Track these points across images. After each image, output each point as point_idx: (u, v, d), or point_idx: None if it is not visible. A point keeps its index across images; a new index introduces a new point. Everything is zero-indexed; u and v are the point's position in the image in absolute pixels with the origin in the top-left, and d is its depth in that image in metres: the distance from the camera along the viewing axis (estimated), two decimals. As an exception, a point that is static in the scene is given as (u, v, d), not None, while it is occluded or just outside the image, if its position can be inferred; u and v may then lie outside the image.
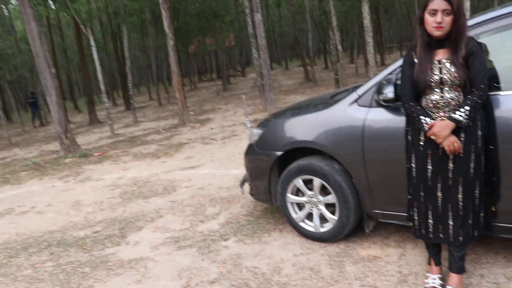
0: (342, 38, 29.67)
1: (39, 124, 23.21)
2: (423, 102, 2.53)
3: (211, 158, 7.59)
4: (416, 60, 2.55)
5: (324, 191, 3.51)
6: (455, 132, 2.43)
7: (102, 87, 12.86)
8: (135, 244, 4.22)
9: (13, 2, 32.30)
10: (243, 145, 8.06)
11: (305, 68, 22.51)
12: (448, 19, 2.38)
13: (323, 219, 3.60)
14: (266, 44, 11.14)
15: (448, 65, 2.43)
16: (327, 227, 3.56)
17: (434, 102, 2.47)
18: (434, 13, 2.39)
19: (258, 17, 10.73)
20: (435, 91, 2.46)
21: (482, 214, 2.61)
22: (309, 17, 23.39)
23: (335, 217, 3.47)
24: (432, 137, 2.46)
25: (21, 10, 10.43)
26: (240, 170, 6.16)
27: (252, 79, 28.61)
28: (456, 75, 2.40)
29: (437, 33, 2.41)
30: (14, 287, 3.72)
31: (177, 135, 10.92)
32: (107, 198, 6.03)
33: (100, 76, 12.87)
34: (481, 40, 2.76)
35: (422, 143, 2.57)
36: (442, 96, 2.45)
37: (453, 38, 2.42)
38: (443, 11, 2.38)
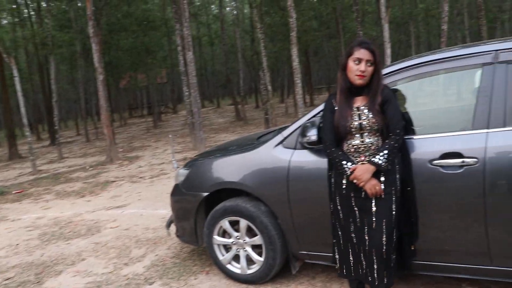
0: (273, 78, 30.38)
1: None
2: (345, 147, 2.65)
3: (138, 197, 7.39)
4: (336, 107, 2.68)
5: (250, 232, 3.51)
6: (376, 175, 2.54)
7: (25, 120, 12.25)
8: (52, 291, 3.97)
9: None
10: (172, 184, 7.93)
11: (236, 107, 22.78)
12: (370, 69, 2.55)
13: (250, 261, 3.59)
14: (197, 82, 11.21)
15: (366, 111, 2.56)
16: (254, 268, 3.54)
17: (355, 146, 2.59)
18: (358, 61, 2.53)
19: (189, 55, 10.80)
20: (356, 136, 2.58)
21: (402, 254, 2.72)
22: (241, 57, 23.87)
23: (262, 259, 3.46)
24: (354, 180, 2.56)
25: None
26: (167, 210, 6.03)
27: (183, 117, 28.48)
28: (374, 121, 2.53)
29: (359, 81, 2.56)
30: None
31: (104, 172, 10.55)
32: (24, 240, 5.66)
33: (22, 109, 12.27)
34: (398, 86, 2.96)
35: (345, 187, 2.66)
36: (362, 141, 2.57)
37: (372, 86, 2.57)
38: (367, 61, 2.53)
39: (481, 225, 2.60)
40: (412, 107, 3.18)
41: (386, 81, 2.83)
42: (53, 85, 15.95)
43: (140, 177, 9.20)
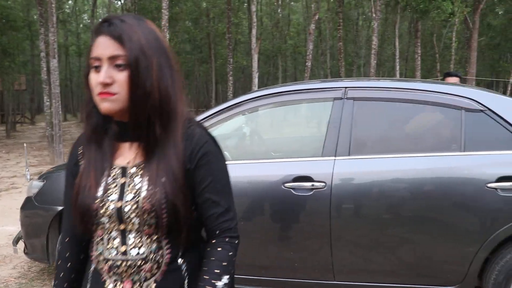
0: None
1: None
2: (93, 258, 1.23)
3: (-18, 211, 6.66)
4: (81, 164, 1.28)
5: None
6: None
7: None
8: None
9: None
10: (24, 198, 7.31)
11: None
12: (122, 77, 1.12)
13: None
14: (60, 92, 10.57)
15: (138, 180, 1.17)
16: None
17: (110, 262, 1.18)
18: (97, 65, 1.14)
19: (53, 62, 10.17)
20: (111, 235, 1.19)
21: None
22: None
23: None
24: None
25: None
26: (16, 227, 5.51)
27: (42, 128, 26.49)
28: (154, 202, 1.13)
29: (104, 105, 1.13)
30: None
31: None
32: None
33: None
34: (259, 112, 3.15)
35: None
36: (124, 252, 1.17)
37: (141, 118, 1.15)
38: (111, 60, 1.12)
39: (328, 245, 2.84)
40: (269, 133, 3.41)
41: (247, 107, 2.99)
42: None
43: (-14, 190, 8.31)
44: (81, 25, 40.21)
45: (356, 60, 26.55)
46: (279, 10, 31.67)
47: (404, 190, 2.78)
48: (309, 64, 13.95)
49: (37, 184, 3.68)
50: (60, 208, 3.41)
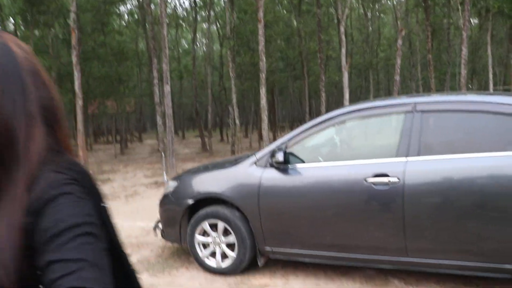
0: (239, 114, 31.70)
1: None
2: None
3: (116, 212, 8.10)
4: None
5: (226, 233, 4.39)
6: None
7: None
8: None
9: None
10: (147, 203, 8.71)
11: (202, 139, 23.69)
12: None
13: (224, 256, 4.46)
14: (171, 114, 12.13)
15: None
16: (227, 262, 4.41)
17: None
18: None
19: (167, 88, 11.76)
20: None
21: None
22: (210, 92, 25.00)
23: (234, 255, 4.34)
24: None
25: None
26: (146, 223, 6.81)
27: (149, 145, 29.12)
28: None
29: None
30: None
31: (78, 191, 11.14)
32: None
33: None
34: (347, 124, 4.13)
35: None
36: None
37: None
38: None
39: (401, 228, 3.62)
40: (354, 140, 4.28)
41: (336, 121, 3.98)
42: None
43: (116, 196, 9.89)
44: (181, 51, 43.17)
45: (449, 69, 26.17)
46: (369, 24, 31.99)
47: (462, 183, 3.47)
48: (397, 78, 14.44)
49: (173, 184, 4.81)
50: (190, 202, 4.50)
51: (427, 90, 23.11)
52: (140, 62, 31.10)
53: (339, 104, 30.45)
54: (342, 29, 14.18)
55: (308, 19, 24.45)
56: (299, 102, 35.92)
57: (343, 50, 13.55)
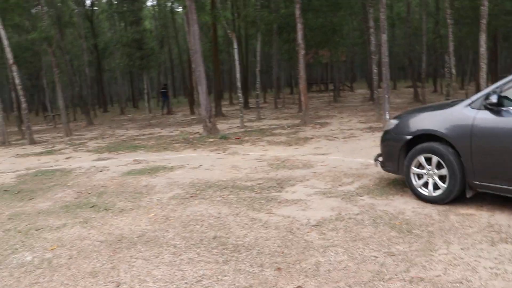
0: (456, 63, 29.88)
1: (167, 112, 26.51)
2: None
3: (337, 149, 9.29)
4: None
5: (438, 166, 5.04)
6: None
7: (239, 84, 15.15)
8: (293, 193, 6.01)
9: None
10: (363, 143, 9.70)
11: (415, 89, 23.42)
12: None
13: (435, 187, 5.13)
14: (388, 62, 12.62)
15: None
16: (438, 192, 5.07)
17: None
18: None
19: (383, 37, 12.27)
20: None
21: None
22: (424, 40, 24.25)
23: (445, 186, 4.98)
24: None
25: (188, 15, 12.93)
26: (364, 159, 7.79)
27: (360, 95, 29.95)
28: None
29: None
30: (213, 205, 5.64)
31: (301, 132, 12.76)
32: (259, 166, 7.96)
33: (238, 74, 15.16)
34: None
35: None
36: None
37: None
38: None
39: None
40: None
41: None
42: (258, 56, 18.82)
43: (334, 137, 11.13)
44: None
45: None
46: None
47: None
48: None
49: (394, 121, 5.61)
50: (409, 137, 5.25)
51: None
52: (352, 11, 31.49)
53: None
54: None
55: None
56: None
57: None
